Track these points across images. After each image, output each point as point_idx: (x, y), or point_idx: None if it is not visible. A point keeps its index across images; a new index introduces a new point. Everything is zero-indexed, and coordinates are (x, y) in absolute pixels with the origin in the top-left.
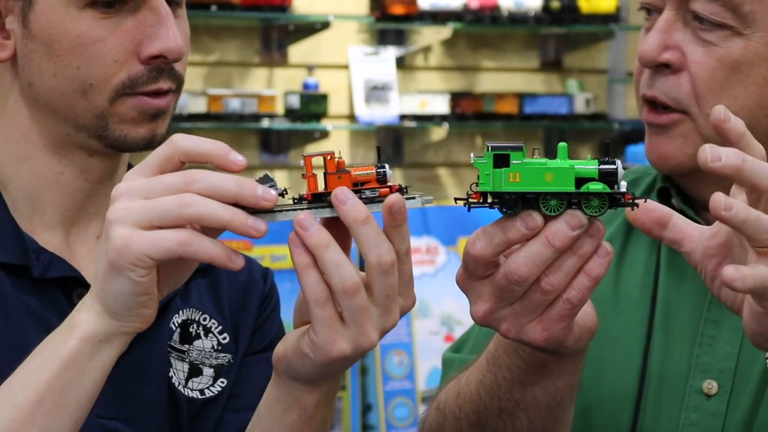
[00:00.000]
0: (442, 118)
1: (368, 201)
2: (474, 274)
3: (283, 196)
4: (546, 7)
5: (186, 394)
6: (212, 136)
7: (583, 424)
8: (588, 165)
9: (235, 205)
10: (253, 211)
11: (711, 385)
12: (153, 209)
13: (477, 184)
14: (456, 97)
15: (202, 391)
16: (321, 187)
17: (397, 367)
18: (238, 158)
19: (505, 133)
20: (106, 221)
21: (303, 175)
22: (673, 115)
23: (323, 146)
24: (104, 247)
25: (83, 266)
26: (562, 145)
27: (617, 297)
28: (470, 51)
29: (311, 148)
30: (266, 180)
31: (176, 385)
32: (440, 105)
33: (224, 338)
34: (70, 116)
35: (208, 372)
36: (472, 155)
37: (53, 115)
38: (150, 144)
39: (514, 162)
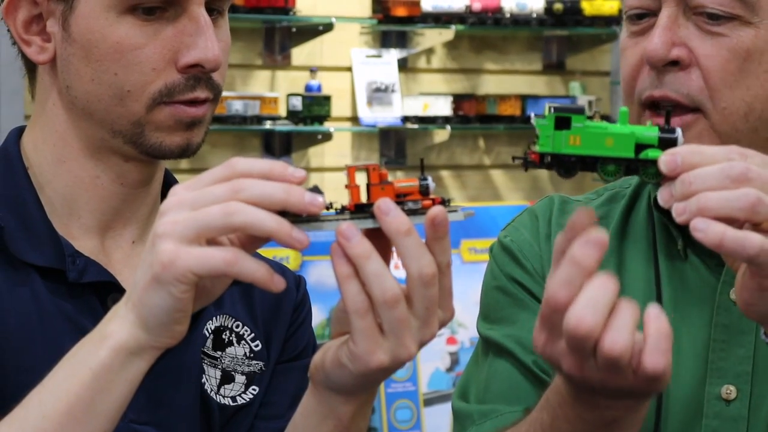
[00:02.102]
0: (444, 120)
1: (411, 213)
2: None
3: (328, 210)
4: (549, 9)
5: (218, 400)
6: (214, 138)
7: None
8: (649, 132)
9: (282, 213)
10: (297, 219)
11: (729, 390)
12: (199, 221)
13: (535, 143)
14: (458, 99)
15: (233, 398)
16: (364, 198)
17: (399, 370)
18: (297, 171)
19: (508, 136)
20: (152, 234)
21: (346, 185)
22: (685, 117)
23: (326, 148)
24: (148, 260)
25: (118, 271)
26: (624, 109)
27: None
28: (473, 53)
29: (314, 150)
30: (315, 191)
31: (209, 391)
32: (443, 107)
33: (256, 346)
34: (107, 121)
35: (240, 379)
36: (533, 115)
37: (90, 119)
38: (185, 152)
39: (575, 125)
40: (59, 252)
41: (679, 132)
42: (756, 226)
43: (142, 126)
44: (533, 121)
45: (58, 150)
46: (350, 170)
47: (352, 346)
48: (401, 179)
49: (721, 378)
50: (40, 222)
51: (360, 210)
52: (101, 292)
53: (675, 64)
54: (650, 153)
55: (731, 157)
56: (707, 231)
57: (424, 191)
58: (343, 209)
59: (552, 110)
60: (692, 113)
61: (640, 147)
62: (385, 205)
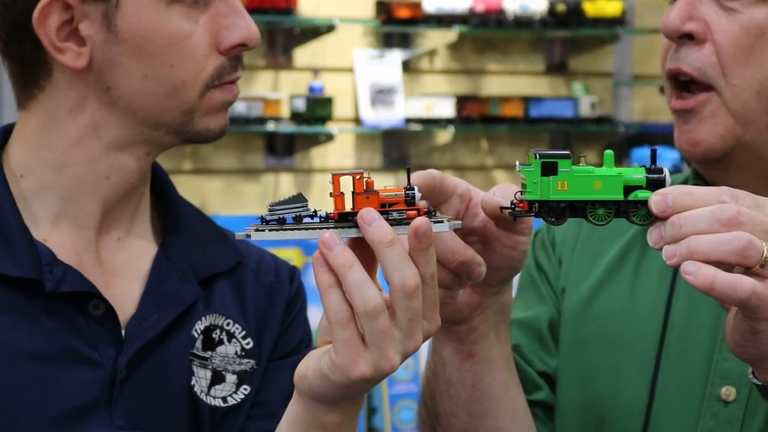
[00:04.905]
0: (447, 122)
1: (395, 223)
2: None
3: (312, 218)
4: (551, 11)
5: (208, 402)
6: None
7: (596, 431)
8: (636, 173)
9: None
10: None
11: (729, 392)
12: None
13: (522, 192)
14: (461, 101)
15: (224, 399)
16: (348, 207)
17: (402, 369)
18: None
19: (511, 137)
20: None
21: (331, 193)
22: (699, 96)
23: (328, 149)
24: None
25: (103, 271)
26: (609, 152)
27: (633, 305)
28: (476, 54)
29: (316, 152)
30: (299, 199)
31: (198, 393)
32: (446, 108)
33: (248, 343)
34: (152, 116)
35: (231, 378)
36: (517, 163)
37: (132, 117)
38: (223, 133)
39: (562, 170)
40: (36, 261)
41: (666, 172)
42: (747, 270)
43: (192, 113)
44: (518, 169)
45: (68, 155)
46: (335, 178)
47: (333, 356)
48: (387, 188)
49: (724, 379)
50: (17, 232)
51: (344, 218)
52: (81, 299)
53: (691, 38)
54: (640, 194)
55: (722, 199)
56: (698, 274)
57: (410, 201)
58: (328, 217)
59: (537, 156)
60: (707, 92)
61: (628, 189)
62: (368, 215)
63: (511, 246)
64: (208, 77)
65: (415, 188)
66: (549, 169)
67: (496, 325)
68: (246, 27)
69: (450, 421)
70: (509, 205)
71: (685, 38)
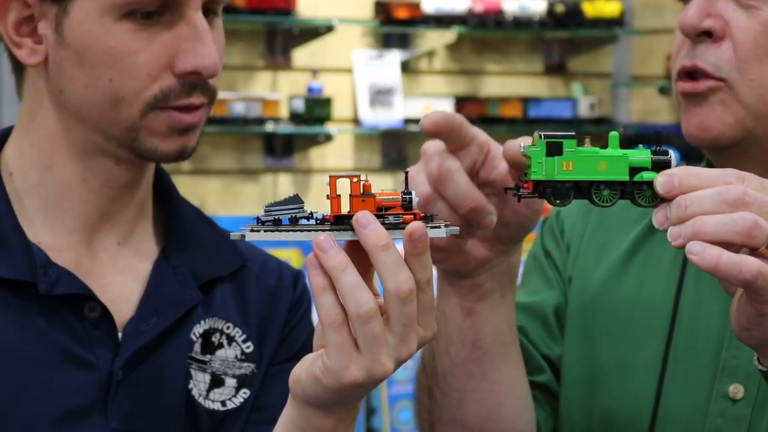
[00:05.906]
0: None
1: (391, 227)
2: None
3: (308, 220)
4: (550, 11)
5: (207, 406)
6: (216, 139)
7: (603, 426)
8: (641, 155)
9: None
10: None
11: (737, 389)
12: None
13: (526, 173)
14: (460, 101)
15: (223, 403)
16: (345, 210)
17: (401, 370)
18: None
19: (510, 137)
20: None
21: (327, 195)
22: (710, 81)
23: (327, 149)
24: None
25: (102, 274)
26: (614, 134)
27: (641, 299)
28: (474, 55)
29: (315, 152)
30: (295, 201)
31: (196, 397)
32: (444, 108)
33: (248, 347)
34: (100, 126)
35: (230, 382)
36: (521, 144)
37: (83, 123)
38: (180, 156)
39: (567, 150)
40: (30, 263)
41: (672, 154)
42: (753, 251)
43: (136, 131)
44: (523, 149)
45: (46, 155)
46: (332, 180)
47: (325, 359)
48: (384, 192)
49: (732, 377)
50: (11, 233)
51: (340, 221)
52: (76, 302)
53: (709, 35)
54: (645, 175)
55: (728, 180)
56: (703, 255)
57: (407, 206)
58: (323, 219)
59: (542, 136)
60: (718, 81)
61: (633, 171)
62: (363, 218)
63: (525, 203)
64: (150, 97)
65: (413, 192)
66: (554, 149)
67: (501, 287)
68: (203, 56)
69: (447, 380)
70: (513, 187)
71: (702, 36)
